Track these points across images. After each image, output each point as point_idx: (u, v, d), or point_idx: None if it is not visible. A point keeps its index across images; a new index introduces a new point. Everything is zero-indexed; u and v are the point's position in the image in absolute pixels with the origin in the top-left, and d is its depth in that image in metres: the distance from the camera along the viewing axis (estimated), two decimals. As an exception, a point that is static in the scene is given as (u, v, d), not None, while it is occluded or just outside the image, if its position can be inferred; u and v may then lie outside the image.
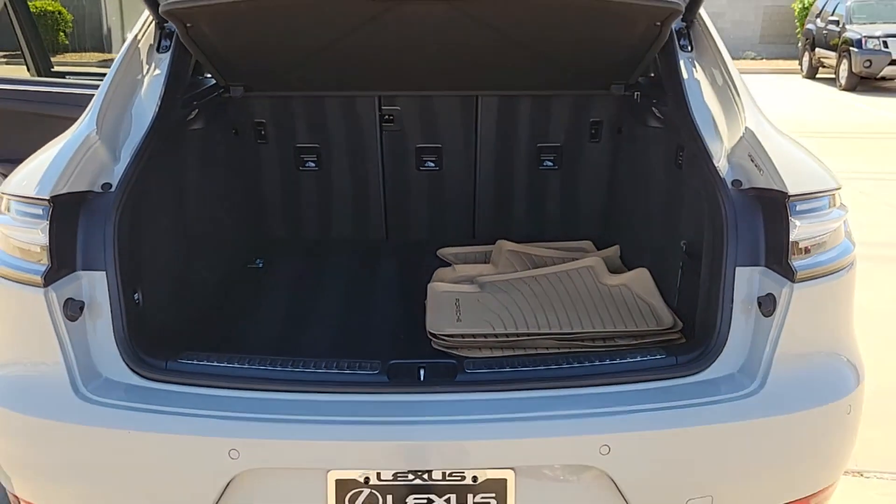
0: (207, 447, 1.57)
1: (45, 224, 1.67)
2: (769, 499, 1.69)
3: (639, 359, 1.83)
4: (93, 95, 2.88)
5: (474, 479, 1.58)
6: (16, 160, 3.13)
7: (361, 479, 1.58)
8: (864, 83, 14.83)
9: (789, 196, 1.67)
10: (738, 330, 1.71)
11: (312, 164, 3.16)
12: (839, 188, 1.81)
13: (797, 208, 1.68)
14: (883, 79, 14.81)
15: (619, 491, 1.59)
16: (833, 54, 15.61)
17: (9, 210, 1.79)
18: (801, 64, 17.84)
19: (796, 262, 1.66)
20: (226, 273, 2.78)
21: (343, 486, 1.59)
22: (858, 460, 2.91)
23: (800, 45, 18.12)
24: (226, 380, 1.71)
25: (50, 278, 1.67)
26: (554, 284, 2.64)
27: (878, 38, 14.39)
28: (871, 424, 3.16)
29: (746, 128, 1.87)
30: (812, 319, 1.70)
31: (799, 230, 1.67)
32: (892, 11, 15.56)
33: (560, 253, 2.99)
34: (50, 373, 1.66)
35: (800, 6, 19.74)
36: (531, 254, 2.99)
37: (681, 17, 2.24)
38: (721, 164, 1.91)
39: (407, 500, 1.58)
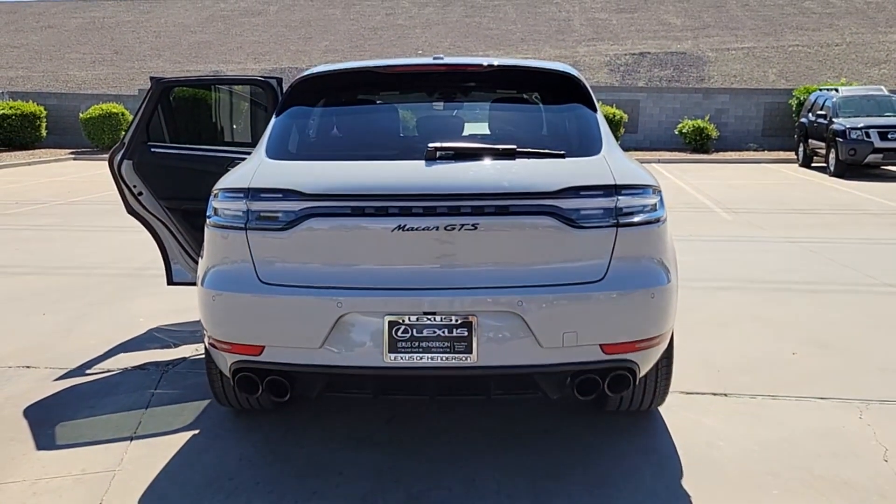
0: (326, 301, 3.08)
1: (247, 200, 3.27)
2: (608, 337, 3.12)
3: None
4: (223, 158, 4.65)
5: (455, 320, 3.07)
6: (188, 197, 4.81)
7: (401, 320, 3.08)
8: (851, 170, 16.37)
9: (616, 185, 3.22)
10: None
11: None
12: (654, 185, 3.33)
13: (621, 191, 3.21)
14: (867, 165, 16.36)
15: (528, 325, 3.05)
16: (823, 144, 17.26)
17: (217, 197, 3.41)
18: (797, 154, 19.52)
19: (620, 219, 3.18)
20: None
21: (392, 323, 3.06)
22: (727, 388, 4.34)
23: (795, 136, 19.81)
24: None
25: (247, 227, 3.24)
26: None
27: (860, 129, 16.02)
28: (744, 371, 4.60)
29: (602, 156, 3.43)
30: (631, 247, 3.15)
31: (620, 202, 3.20)
32: (874, 107, 17.27)
33: None
34: (244, 270, 3.22)
35: (796, 102, 21.58)
36: None
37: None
38: None
39: (423, 331, 3.08)
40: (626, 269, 3.19)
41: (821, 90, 19.13)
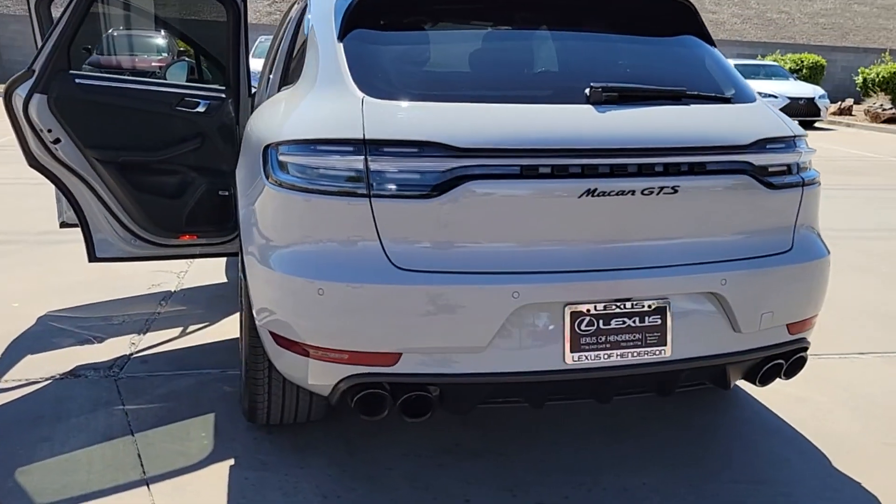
0: (497, 291, 2.32)
1: (365, 155, 2.36)
2: (795, 315, 2.70)
3: None
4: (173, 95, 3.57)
5: (649, 306, 2.48)
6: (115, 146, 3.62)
7: (585, 310, 2.43)
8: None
9: (794, 136, 2.77)
10: None
11: None
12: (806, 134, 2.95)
13: (798, 143, 2.77)
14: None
15: (727, 307, 2.52)
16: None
17: (292, 149, 2.44)
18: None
19: (804, 177, 2.76)
20: None
21: (574, 315, 2.40)
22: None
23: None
24: None
25: (371, 193, 2.32)
26: None
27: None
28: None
29: (760, 102, 2.94)
30: (808, 211, 2.74)
31: (802, 157, 2.77)
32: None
33: None
34: (368, 252, 2.32)
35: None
36: None
37: None
38: None
39: (611, 322, 2.46)
40: (804, 238, 2.78)
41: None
